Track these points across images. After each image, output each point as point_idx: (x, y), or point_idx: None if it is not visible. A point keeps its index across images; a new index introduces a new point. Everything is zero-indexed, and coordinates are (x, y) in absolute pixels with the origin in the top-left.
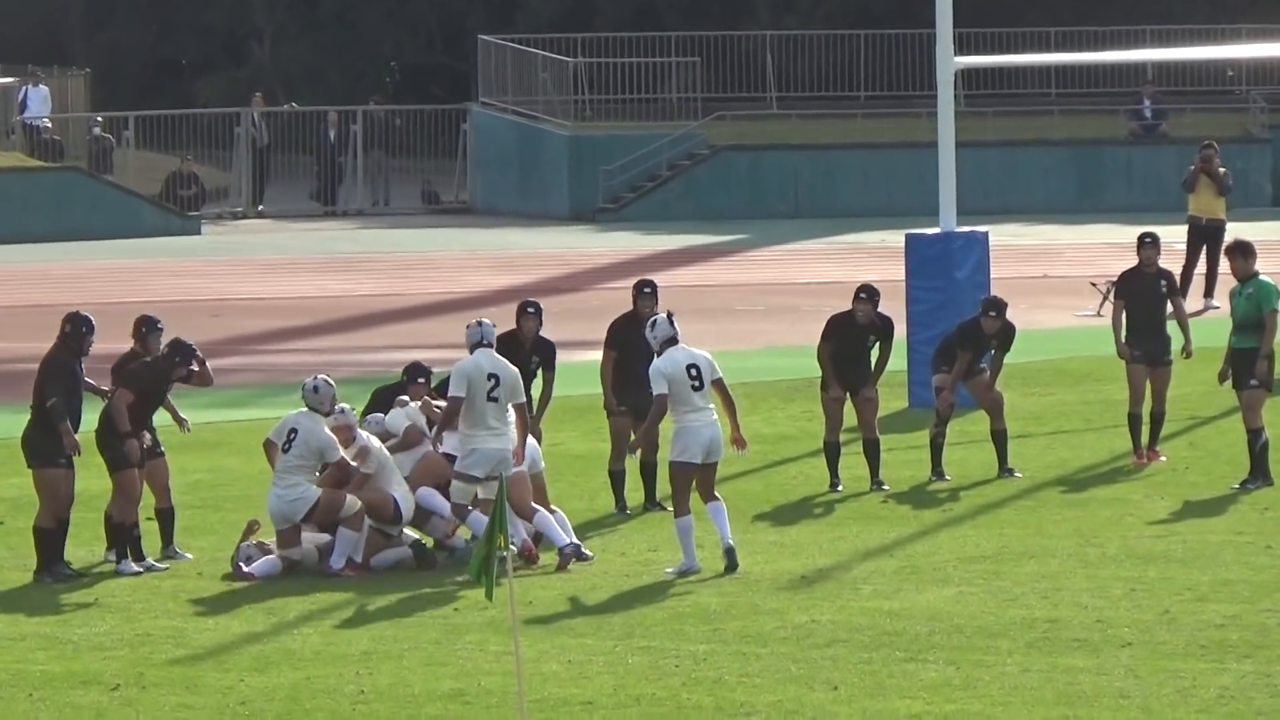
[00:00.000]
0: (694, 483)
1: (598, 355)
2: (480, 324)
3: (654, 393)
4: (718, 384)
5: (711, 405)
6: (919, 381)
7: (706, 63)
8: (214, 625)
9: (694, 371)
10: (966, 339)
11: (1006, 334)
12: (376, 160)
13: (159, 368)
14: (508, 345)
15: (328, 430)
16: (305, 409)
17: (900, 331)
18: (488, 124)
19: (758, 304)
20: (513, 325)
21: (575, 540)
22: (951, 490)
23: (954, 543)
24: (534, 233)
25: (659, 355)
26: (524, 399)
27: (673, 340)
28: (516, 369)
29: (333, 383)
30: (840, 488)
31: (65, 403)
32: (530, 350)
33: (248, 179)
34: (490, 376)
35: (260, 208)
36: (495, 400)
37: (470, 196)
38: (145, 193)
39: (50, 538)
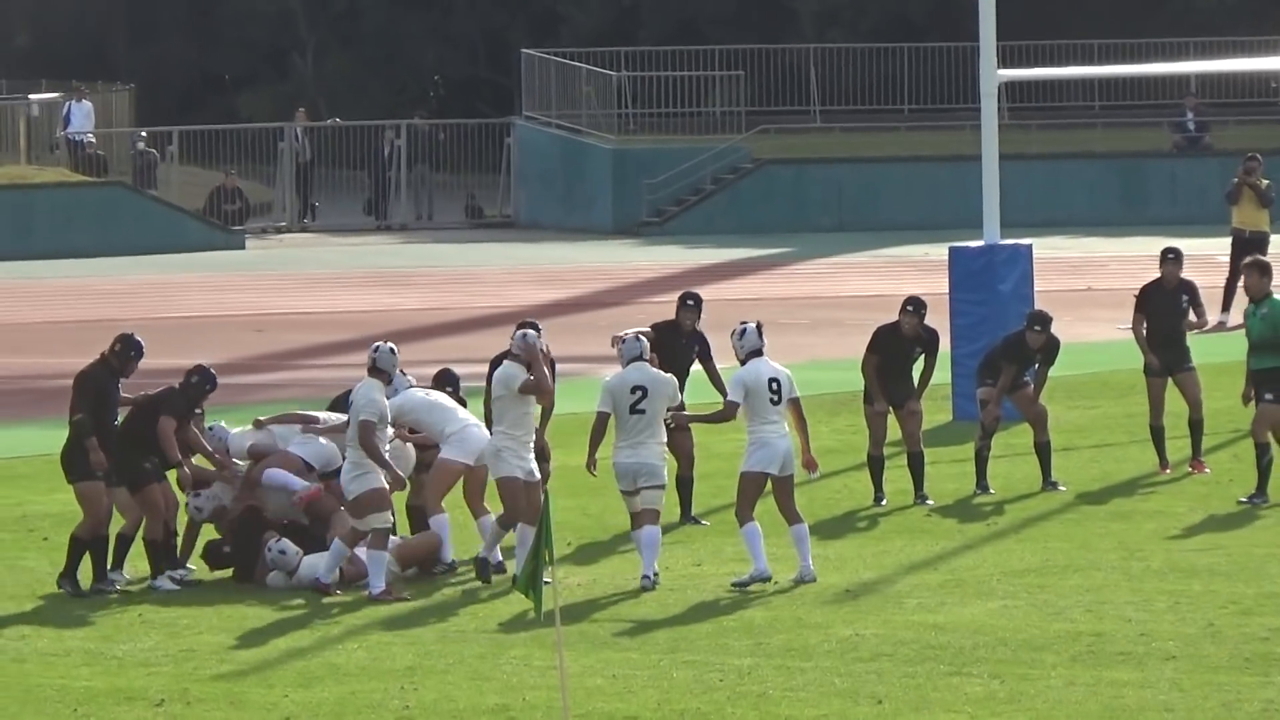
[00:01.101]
0: (760, 495)
1: None
2: (638, 338)
3: (727, 398)
4: (794, 403)
5: (785, 421)
6: (963, 395)
7: (750, 76)
8: (258, 641)
9: (774, 386)
10: (1011, 353)
11: (1051, 348)
12: (420, 175)
13: (189, 396)
14: (666, 335)
15: (378, 394)
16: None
17: (944, 345)
18: (531, 138)
19: (801, 317)
20: (671, 317)
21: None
22: (996, 503)
23: (998, 556)
24: (577, 247)
25: (742, 364)
26: (679, 400)
27: (758, 352)
28: (674, 380)
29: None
30: (884, 501)
31: (97, 420)
32: (688, 341)
33: (291, 194)
34: (635, 389)
35: (305, 221)
36: (641, 412)
37: (514, 211)
38: (189, 207)
39: (82, 548)
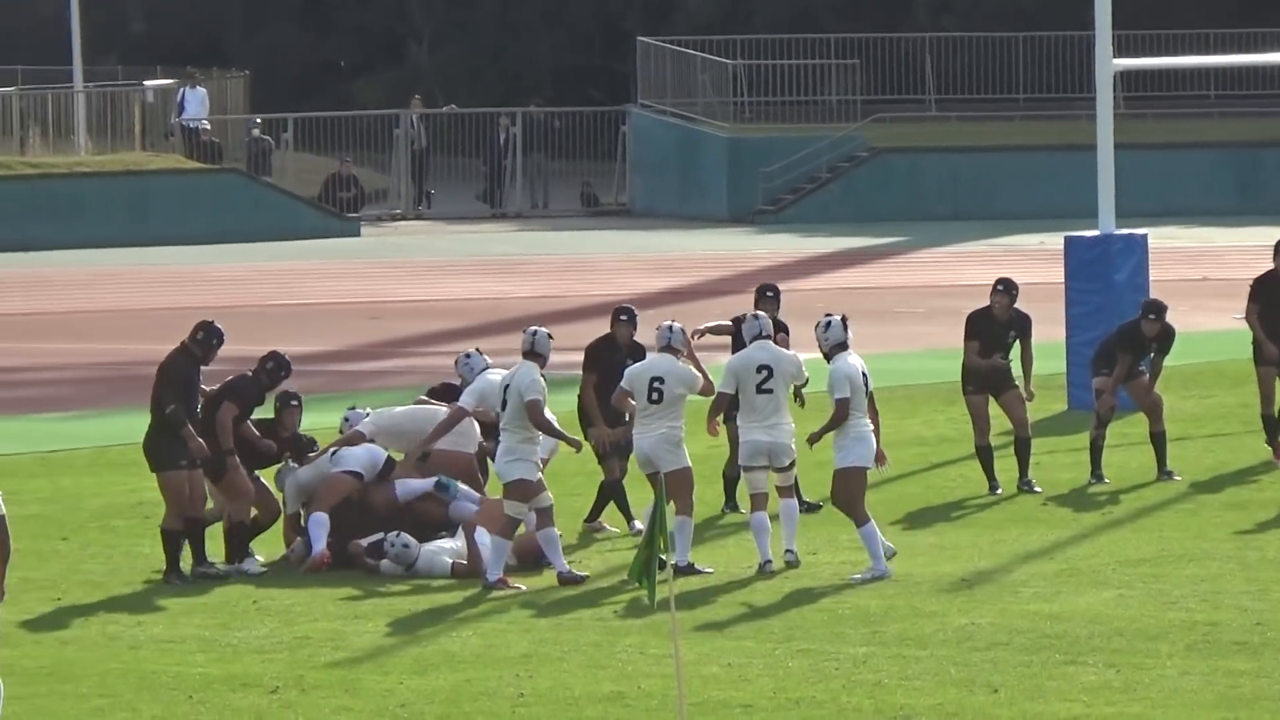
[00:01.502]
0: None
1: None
2: (757, 317)
3: (836, 396)
4: (870, 395)
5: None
6: (1078, 384)
7: (865, 64)
8: (373, 628)
9: (866, 379)
10: (1126, 342)
11: (1166, 337)
12: (536, 162)
13: (262, 383)
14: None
15: (539, 375)
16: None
17: (1059, 334)
18: (646, 126)
19: (917, 306)
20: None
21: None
22: (1111, 493)
23: (1113, 545)
24: (692, 235)
25: (828, 358)
26: (805, 378)
27: (844, 345)
28: (799, 358)
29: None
30: (999, 490)
31: (189, 410)
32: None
33: (406, 181)
34: (761, 369)
35: (420, 209)
36: (769, 392)
37: (629, 199)
38: (304, 195)
39: (176, 540)
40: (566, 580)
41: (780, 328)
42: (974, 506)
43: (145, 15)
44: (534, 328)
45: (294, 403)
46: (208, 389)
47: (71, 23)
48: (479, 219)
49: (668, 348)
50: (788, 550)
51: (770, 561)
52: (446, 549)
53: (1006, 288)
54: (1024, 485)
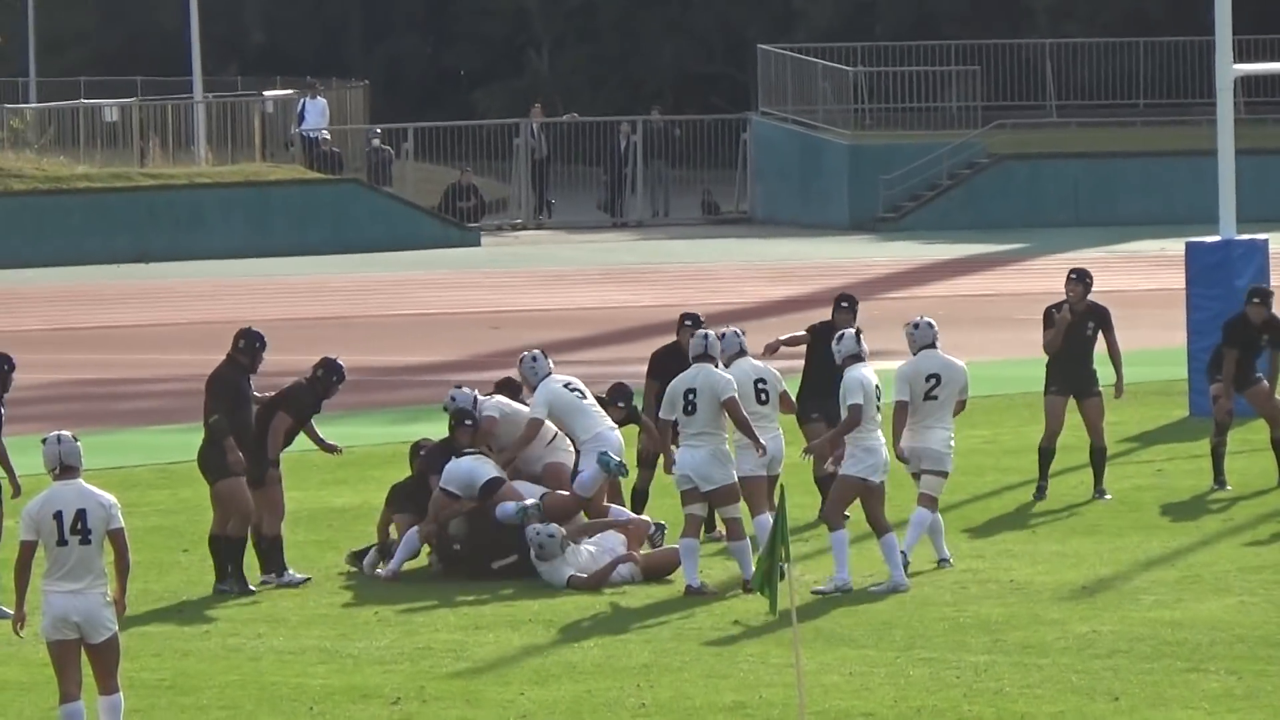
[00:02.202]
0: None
1: (880, 365)
2: (931, 324)
3: (850, 403)
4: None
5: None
6: (1199, 390)
7: (986, 71)
8: (494, 639)
9: (878, 391)
10: (1233, 333)
11: (1275, 326)
12: (657, 171)
13: (317, 391)
14: (823, 336)
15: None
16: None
17: (1180, 340)
18: (767, 134)
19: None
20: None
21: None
22: (1232, 499)
23: (1235, 552)
24: (814, 243)
25: (843, 369)
26: (967, 393)
27: (858, 357)
28: (964, 366)
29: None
30: (1044, 496)
31: (231, 419)
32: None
33: (527, 190)
34: (930, 377)
35: (540, 218)
36: (935, 398)
37: (750, 206)
38: (424, 204)
39: (232, 547)
40: (694, 593)
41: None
42: (1094, 513)
43: (265, 26)
44: (708, 331)
45: (468, 423)
46: (260, 395)
47: (191, 34)
48: (599, 228)
49: (703, 356)
50: (941, 559)
51: (948, 559)
52: (571, 559)
53: (1080, 276)
54: (1097, 494)
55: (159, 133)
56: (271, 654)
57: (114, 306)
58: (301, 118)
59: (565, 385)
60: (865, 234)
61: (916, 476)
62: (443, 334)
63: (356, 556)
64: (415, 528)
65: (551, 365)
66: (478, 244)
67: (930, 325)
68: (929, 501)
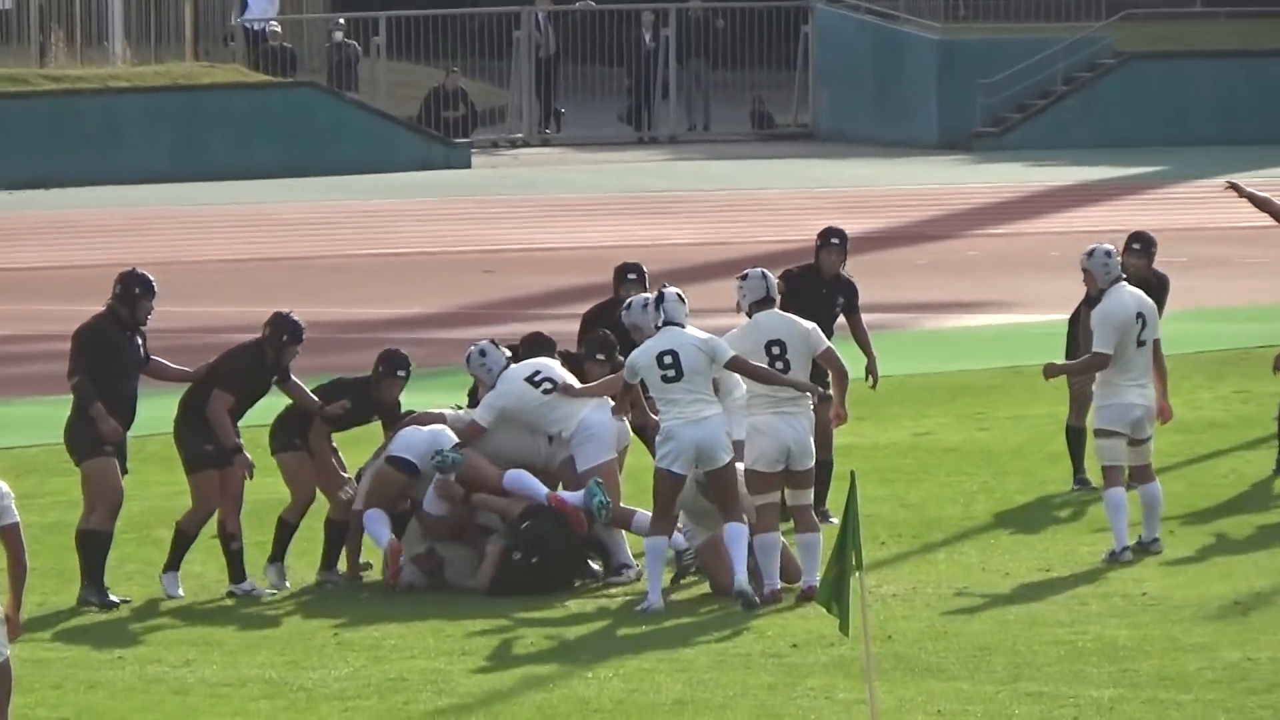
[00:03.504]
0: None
1: (976, 321)
2: (1111, 252)
3: (1096, 350)
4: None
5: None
6: None
7: None
8: (486, 665)
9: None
10: None
11: None
12: (694, 72)
13: (263, 357)
14: (803, 283)
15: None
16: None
17: None
18: (835, 26)
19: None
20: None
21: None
22: None
23: None
24: (893, 165)
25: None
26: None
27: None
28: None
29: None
30: (1084, 485)
31: (103, 382)
32: (831, 290)
33: (529, 97)
34: (1139, 317)
35: (547, 132)
36: (1143, 344)
37: (812, 119)
38: (399, 115)
39: (92, 545)
40: (749, 604)
41: (844, 287)
42: (1249, 509)
43: None
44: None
45: (400, 373)
46: (182, 368)
47: None
48: (621, 145)
49: (767, 300)
50: (1153, 539)
51: (1128, 548)
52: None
53: (1144, 245)
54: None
55: (64, 24)
56: (202, 686)
57: (5, 244)
58: (244, 5)
59: (532, 376)
60: (958, 154)
61: (1115, 437)
62: (422, 280)
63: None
64: (371, 509)
65: (506, 353)
66: (467, 165)
67: (1113, 253)
68: (1147, 473)
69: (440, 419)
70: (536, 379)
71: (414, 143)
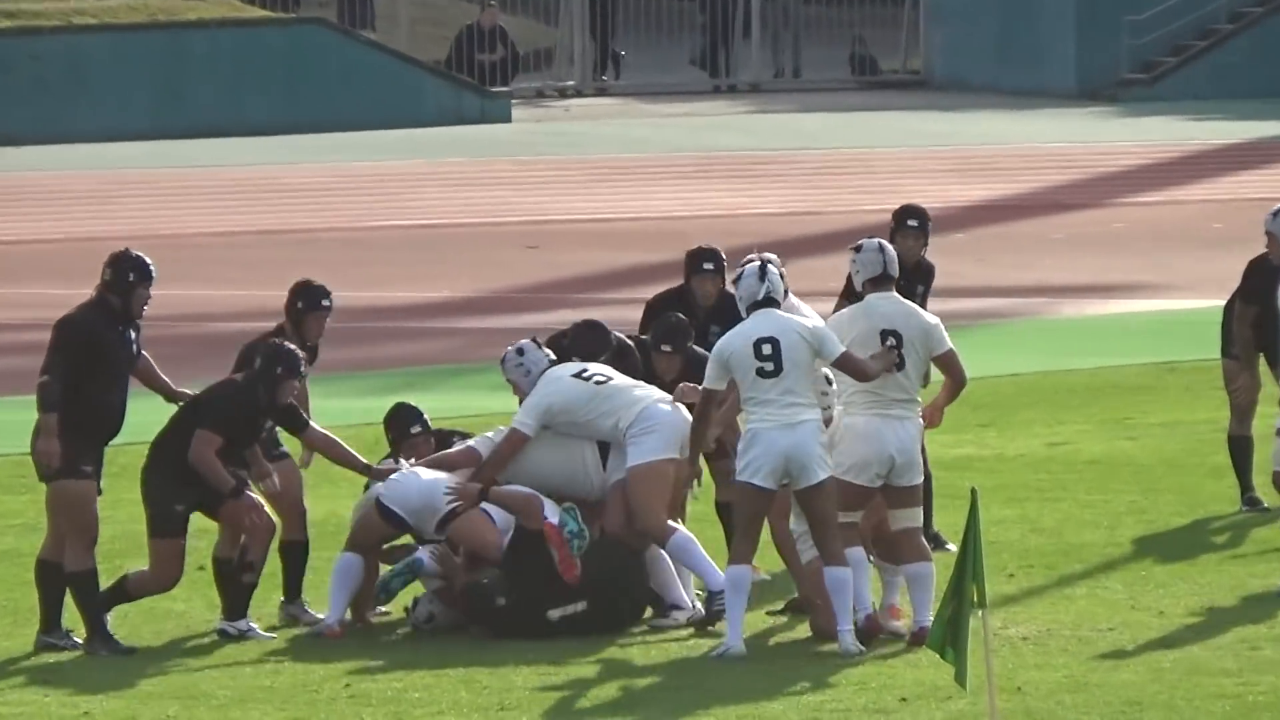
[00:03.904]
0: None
1: (1123, 307)
2: None
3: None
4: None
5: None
6: None
7: None
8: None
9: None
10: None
11: None
12: (782, 7)
13: (252, 394)
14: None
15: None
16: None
17: None
18: None
19: None
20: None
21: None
22: None
23: None
24: (1021, 118)
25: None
26: None
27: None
28: None
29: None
30: (1256, 506)
31: (83, 386)
32: (912, 277)
33: (584, 37)
34: None
35: (603, 79)
36: None
37: (924, 64)
38: (425, 58)
39: (55, 580)
40: (848, 646)
41: (922, 274)
42: None
43: None
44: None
45: (325, 303)
46: (168, 382)
47: None
48: (693, 94)
49: (884, 277)
50: None
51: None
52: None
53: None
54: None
55: None
56: None
57: None
58: None
59: (579, 373)
60: (1100, 106)
61: None
62: (451, 257)
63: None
64: (425, 550)
65: (550, 354)
66: (507, 118)
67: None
68: None
69: (463, 437)
70: (585, 374)
71: (442, 92)
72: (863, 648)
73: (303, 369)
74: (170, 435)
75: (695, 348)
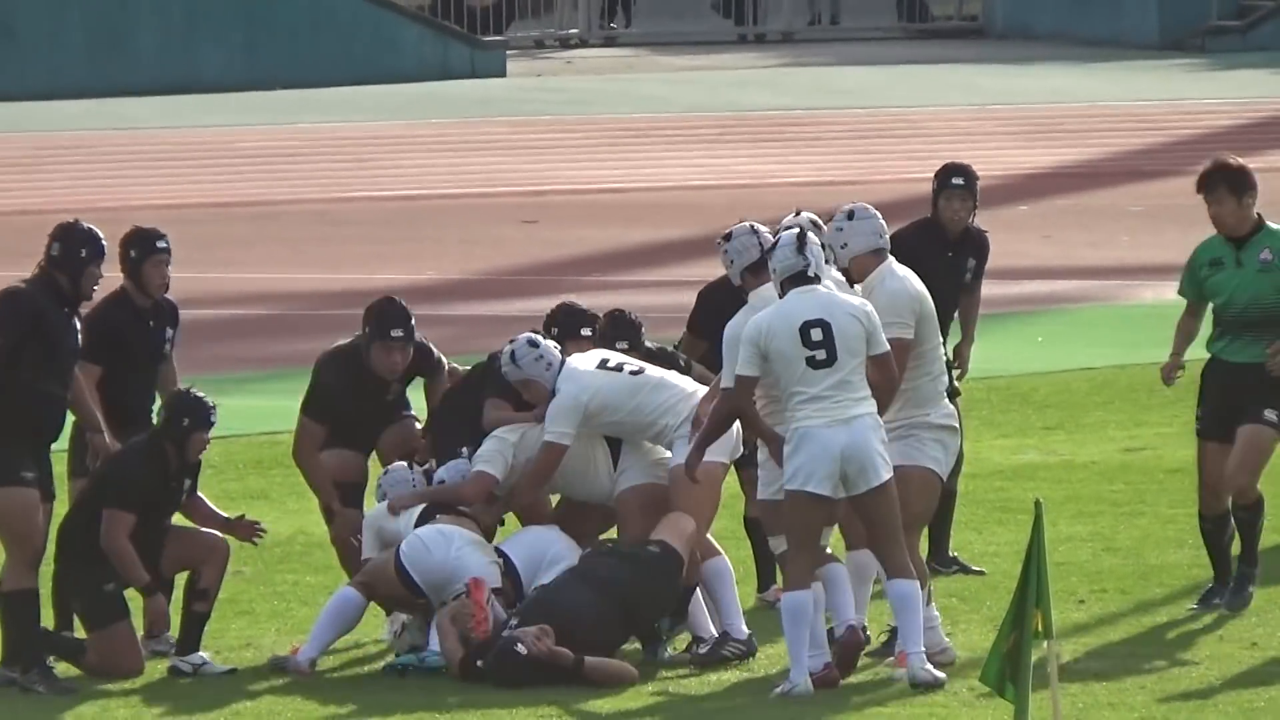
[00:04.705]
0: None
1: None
2: None
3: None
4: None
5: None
6: None
7: None
8: None
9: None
10: None
11: None
12: None
13: (160, 460)
14: (923, 241)
15: None
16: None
17: None
18: None
19: None
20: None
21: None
22: None
23: None
24: (1094, 73)
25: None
26: None
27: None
28: None
29: None
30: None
31: (36, 379)
32: (958, 253)
33: None
34: None
35: (610, 27)
36: None
37: (983, 9)
38: (405, 2)
39: (29, 606)
40: (924, 679)
41: (974, 246)
42: None
43: None
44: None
45: (160, 245)
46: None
47: None
48: (716, 45)
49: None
50: None
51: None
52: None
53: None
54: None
55: None
56: None
57: None
58: None
59: (603, 363)
60: (1186, 57)
61: None
62: (439, 233)
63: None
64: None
65: (558, 352)
66: (501, 73)
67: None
68: None
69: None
70: (612, 364)
71: (426, 41)
72: (939, 674)
73: (213, 419)
74: (76, 517)
75: None
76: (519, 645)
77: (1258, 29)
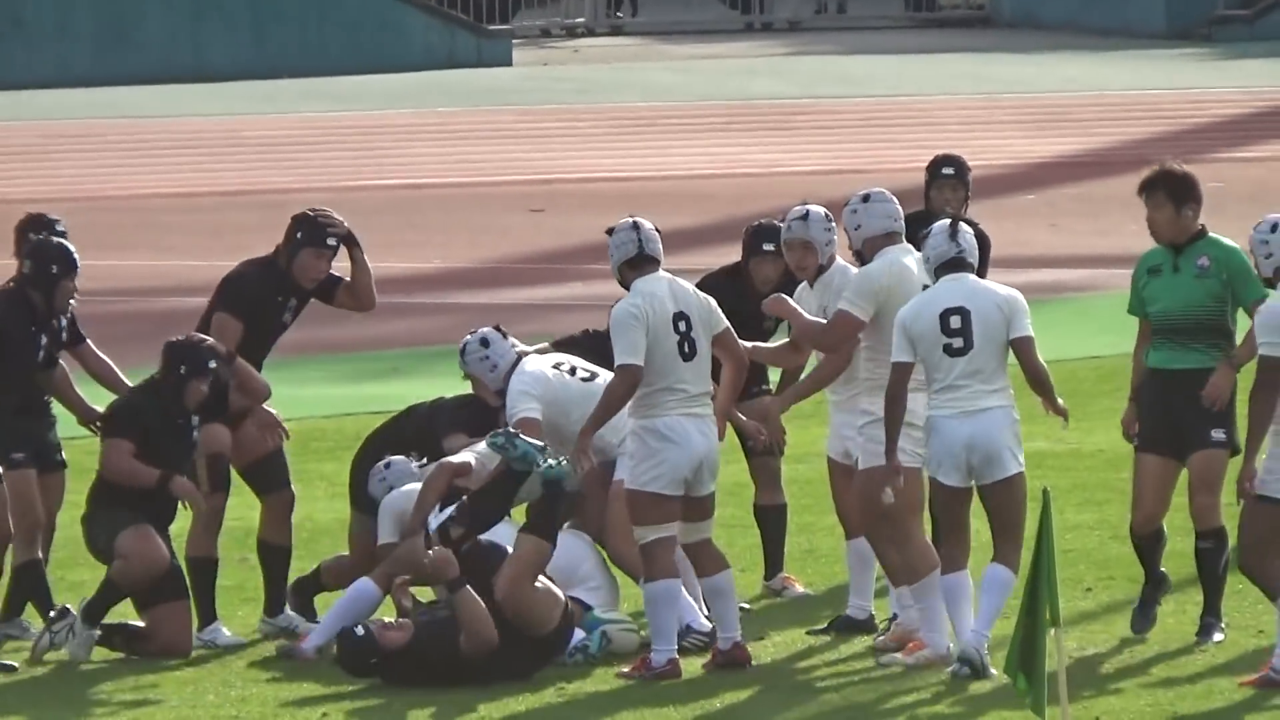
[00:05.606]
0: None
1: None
2: None
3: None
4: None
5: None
6: None
7: None
8: None
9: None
10: None
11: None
12: None
13: (152, 409)
14: (913, 233)
15: None
16: None
17: None
18: None
19: None
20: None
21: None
22: None
23: None
24: (1103, 62)
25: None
26: None
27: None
28: None
29: None
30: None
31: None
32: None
33: None
34: None
35: (617, 16)
36: None
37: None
38: None
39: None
40: (970, 668)
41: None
42: None
43: None
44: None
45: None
46: (84, 400)
47: None
48: (722, 33)
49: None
50: None
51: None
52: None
53: None
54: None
55: None
56: None
57: None
58: None
59: (557, 365)
60: (1195, 46)
61: None
62: (445, 222)
63: (300, 592)
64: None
65: (516, 345)
66: (507, 61)
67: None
68: None
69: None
70: (564, 367)
71: (432, 30)
72: (981, 659)
73: (210, 366)
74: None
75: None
76: (360, 628)
77: (1265, 18)
